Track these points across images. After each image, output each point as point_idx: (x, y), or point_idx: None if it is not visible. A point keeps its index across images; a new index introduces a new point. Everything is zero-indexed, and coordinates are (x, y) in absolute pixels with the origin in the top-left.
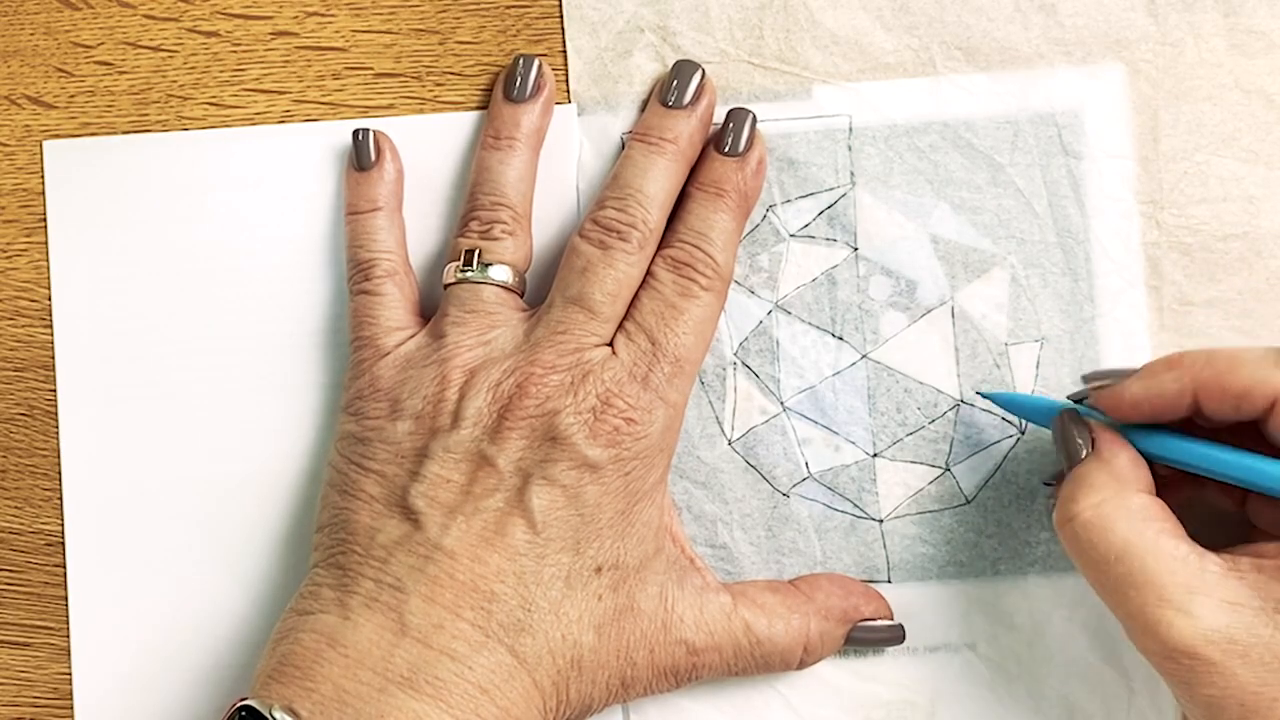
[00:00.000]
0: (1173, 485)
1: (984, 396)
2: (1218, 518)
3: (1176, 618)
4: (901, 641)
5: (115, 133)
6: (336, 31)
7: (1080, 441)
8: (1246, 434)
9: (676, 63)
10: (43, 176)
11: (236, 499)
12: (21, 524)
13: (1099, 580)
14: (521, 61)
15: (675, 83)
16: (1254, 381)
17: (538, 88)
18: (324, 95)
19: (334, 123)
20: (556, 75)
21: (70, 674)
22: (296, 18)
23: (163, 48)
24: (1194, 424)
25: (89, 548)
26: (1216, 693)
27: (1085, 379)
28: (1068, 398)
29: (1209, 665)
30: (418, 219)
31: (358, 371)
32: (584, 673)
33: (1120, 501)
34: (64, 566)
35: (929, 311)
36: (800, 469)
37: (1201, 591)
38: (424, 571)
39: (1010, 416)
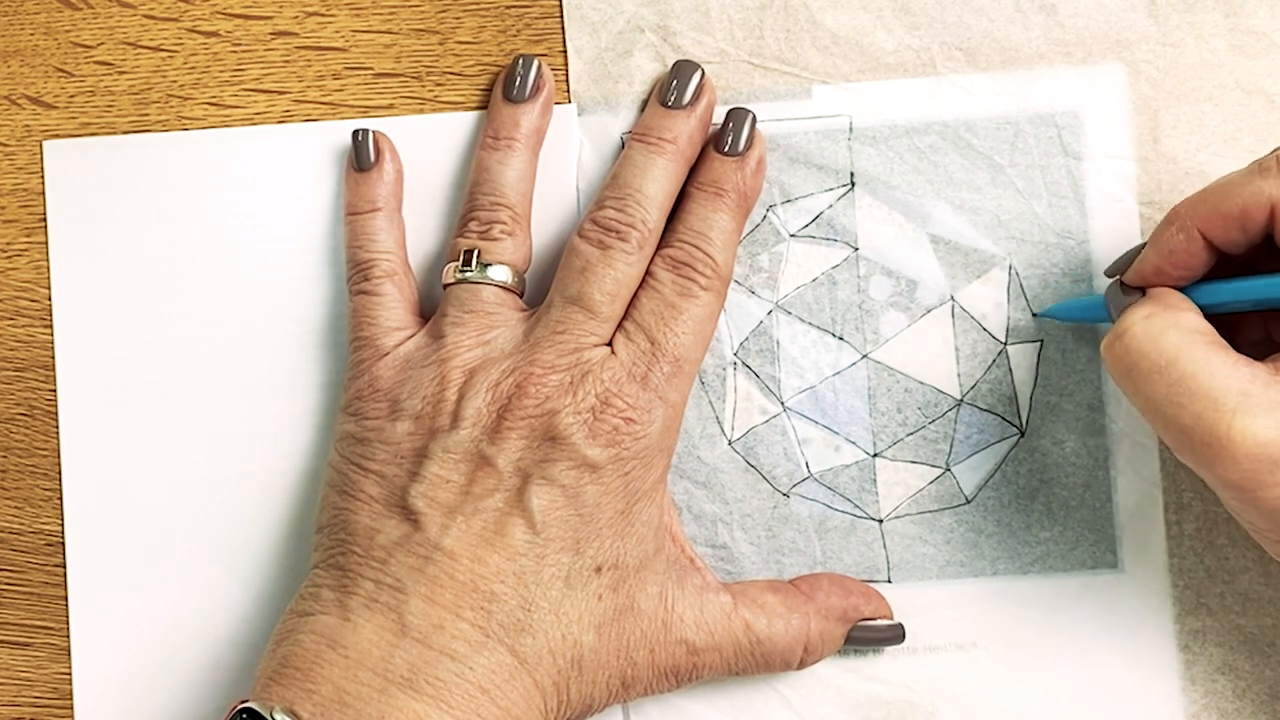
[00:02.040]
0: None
1: (1042, 316)
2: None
3: (1236, 420)
4: (901, 641)
5: (115, 133)
6: (336, 31)
7: (1132, 296)
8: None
9: (676, 63)
10: (43, 176)
11: (236, 499)
12: (21, 524)
13: (1150, 393)
14: (521, 61)
15: (675, 83)
16: (1246, 198)
17: (537, 88)
18: (324, 95)
19: (334, 123)
20: (556, 75)
21: (70, 674)
22: (296, 18)
23: (163, 48)
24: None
25: (89, 548)
26: None
27: (1108, 273)
28: (1105, 273)
29: (1273, 465)
30: (417, 219)
31: (357, 372)
32: (584, 673)
33: (1170, 315)
34: (64, 566)
35: (929, 311)
36: (800, 469)
37: (1256, 395)
38: (424, 572)
39: (1009, 416)
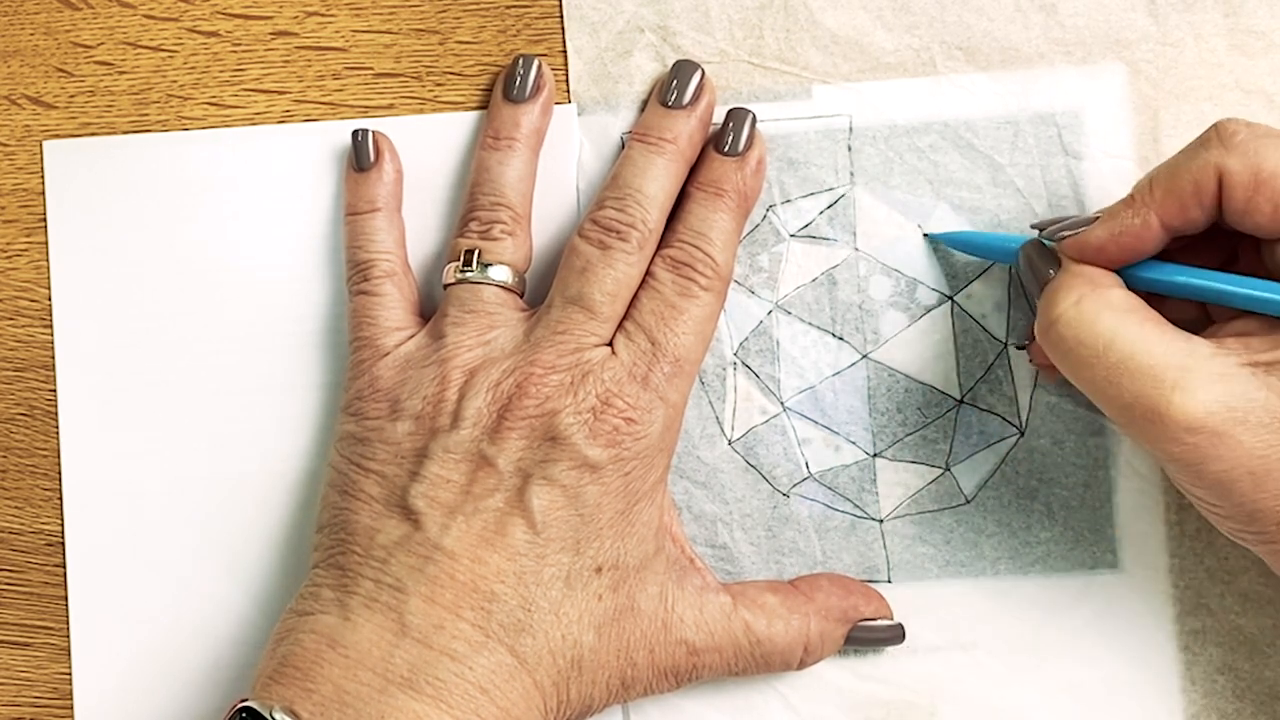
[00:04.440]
0: None
1: (931, 239)
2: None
3: (1175, 395)
4: (901, 641)
5: (115, 133)
6: (336, 31)
7: (1049, 263)
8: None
9: (676, 63)
10: (43, 176)
11: (236, 499)
12: (21, 524)
13: (1090, 378)
14: (521, 61)
15: (675, 83)
16: (1195, 172)
17: (537, 88)
18: (324, 95)
19: (334, 123)
20: (556, 75)
21: (70, 674)
22: (296, 18)
23: (163, 48)
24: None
25: (89, 548)
26: (1225, 466)
27: (1036, 225)
28: (1032, 226)
29: (1215, 437)
30: (417, 219)
31: (357, 372)
32: (584, 673)
33: (1098, 296)
34: (64, 566)
35: (929, 311)
36: (800, 469)
37: (1194, 369)
38: (424, 572)
39: (1009, 416)
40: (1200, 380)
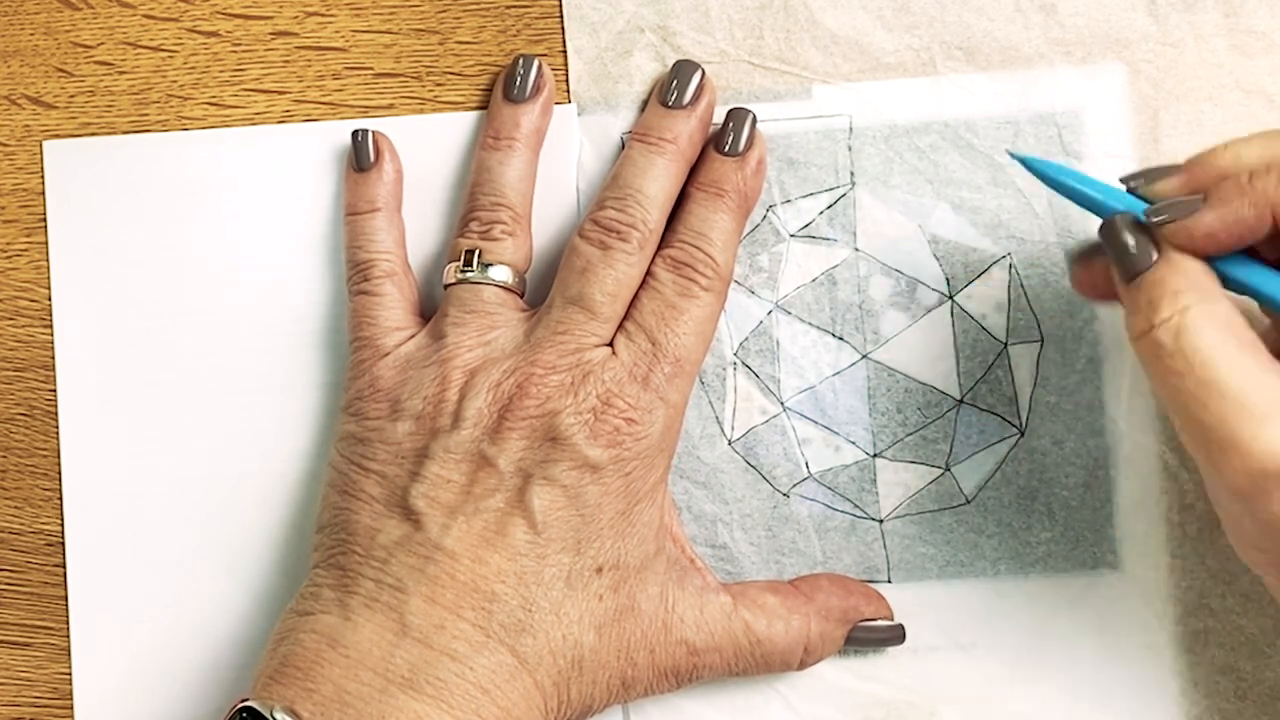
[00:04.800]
0: None
1: (1016, 158)
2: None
3: (1261, 431)
4: (901, 641)
5: (115, 133)
6: (336, 31)
7: (1147, 247)
8: None
9: (676, 63)
10: (43, 176)
11: (236, 499)
12: (21, 524)
13: (1177, 388)
14: (521, 61)
15: (675, 83)
16: None
17: (537, 88)
18: (324, 95)
19: (334, 123)
20: (556, 75)
21: (70, 674)
22: (296, 18)
23: (163, 48)
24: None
25: (89, 548)
26: None
27: (1125, 180)
28: (1121, 180)
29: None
30: (418, 219)
31: (357, 372)
32: (585, 673)
33: (1206, 308)
34: (64, 566)
35: (929, 311)
36: (800, 469)
37: None
38: (424, 572)
39: (1009, 416)
40: None
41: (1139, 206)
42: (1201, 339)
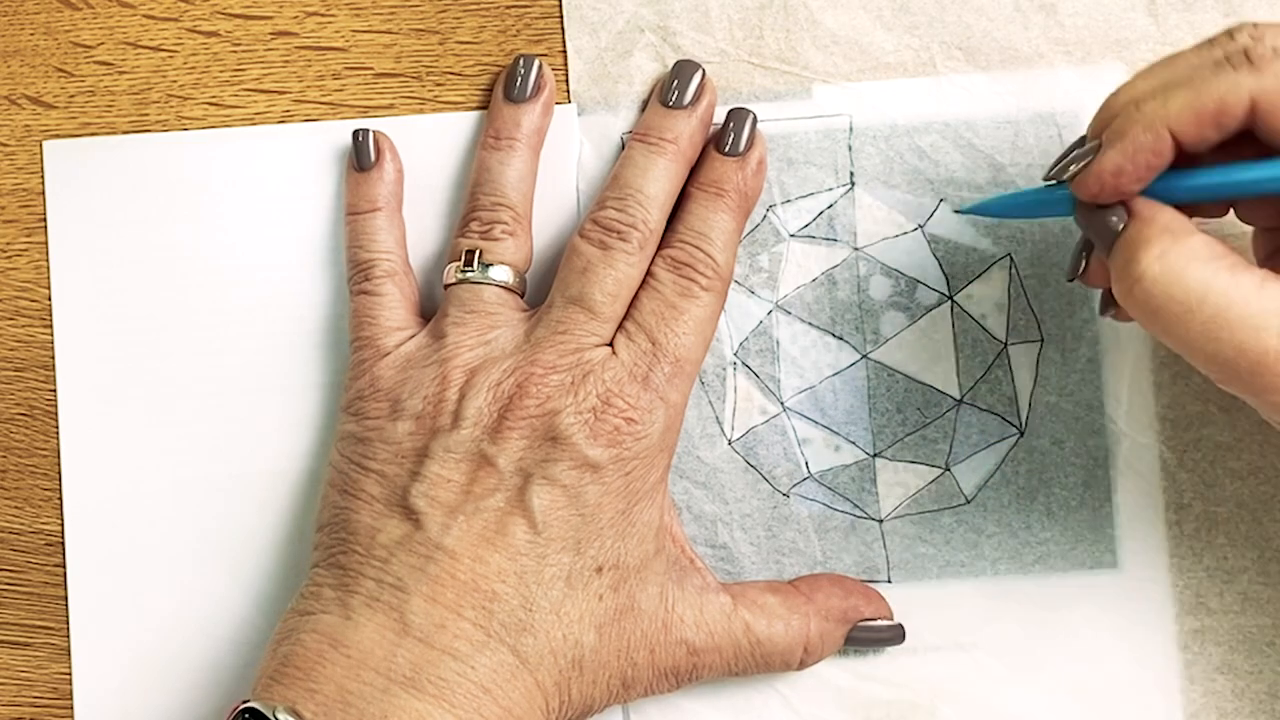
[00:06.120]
0: None
1: (961, 212)
2: None
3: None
4: (901, 641)
5: (115, 133)
6: (336, 31)
7: (1113, 216)
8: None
9: (676, 63)
10: (43, 176)
11: (236, 499)
12: (21, 524)
13: (1185, 335)
14: (521, 61)
15: (675, 83)
16: (1224, 93)
17: (538, 88)
18: (324, 95)
19: (334, 123)
20: (556, 75)
21: (70, 674)
22: (296, 18)
23: (163, 48)
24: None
25: (89, 548)
26: None
27: (1047, 178)
28: (1044, 179)
29: None
30: (418, 219)
31: (358, 372)
32: (585, 673)
33: (1182, 248)
34: (64, 566)
35: (929, 311)
36: (800, 469)
37: None
38: (425, 571)
39: (1009, 415)
40: None
41: None
42: (1190, 277)
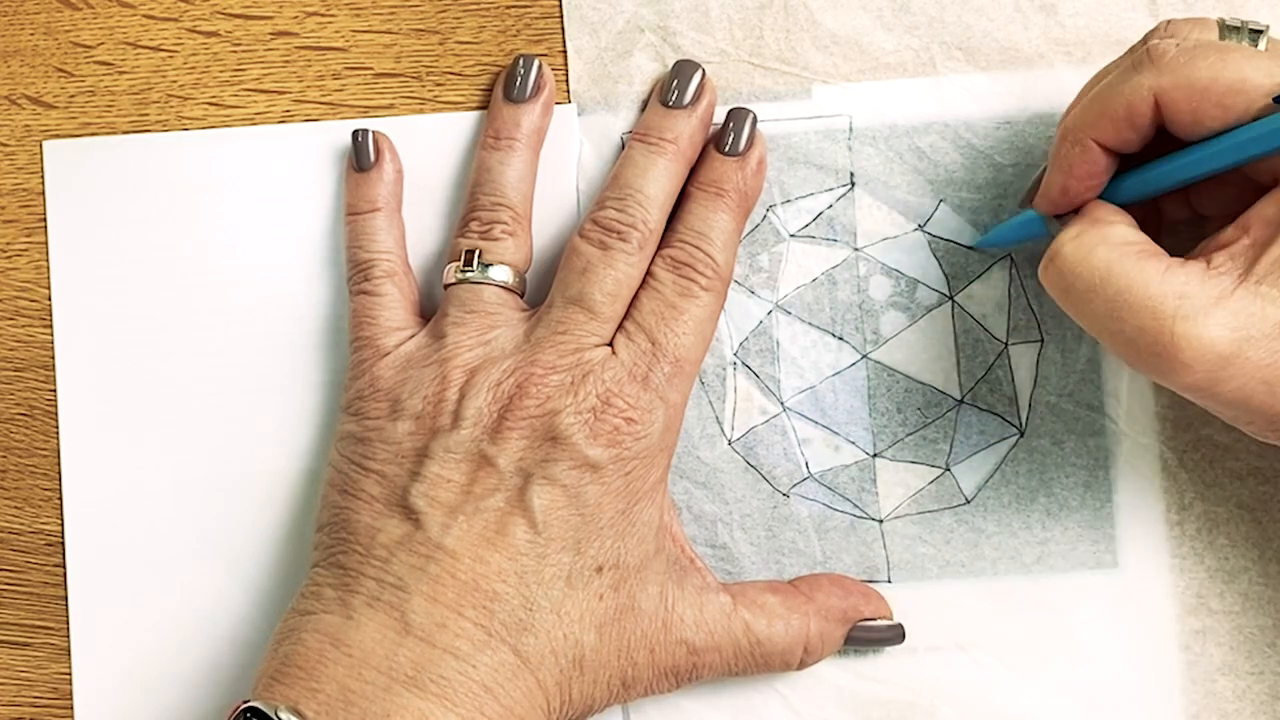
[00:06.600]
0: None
1: (981, 245)
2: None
3: (1178, 325)
4: (901, 641)
5: (115, 133)
6: (336, 31)
7: (1066, 219)
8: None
9: (676, 63)
10: (43, 176)
11: (236, 498)
12: (21, 524)
13: (1090, 312)
14: (521, 61)
15: (675, 83)
16: (1129, 95)
17: (538, 88)
18: (324, 95)
19: (334, 123)
20: (556, 75)
21: (70, 674)
22: (296, 18)
23: (163, 48)
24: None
25: (89, 548)
26: (1239, 384)
27: (1021, 206)
28: (1020, 206)
29: (1223, 360)
30: (418, 219)
31: (358, 372)
32: (586, 672)
33: (1096, 231)
34: (64, 566)
35: (929, 311)
36: (800, 469)
37: (1192, 295)
38: (425, 571)
39: (1009, 416)
40: (1199, 306)
41: None
42: (1096, 257)
